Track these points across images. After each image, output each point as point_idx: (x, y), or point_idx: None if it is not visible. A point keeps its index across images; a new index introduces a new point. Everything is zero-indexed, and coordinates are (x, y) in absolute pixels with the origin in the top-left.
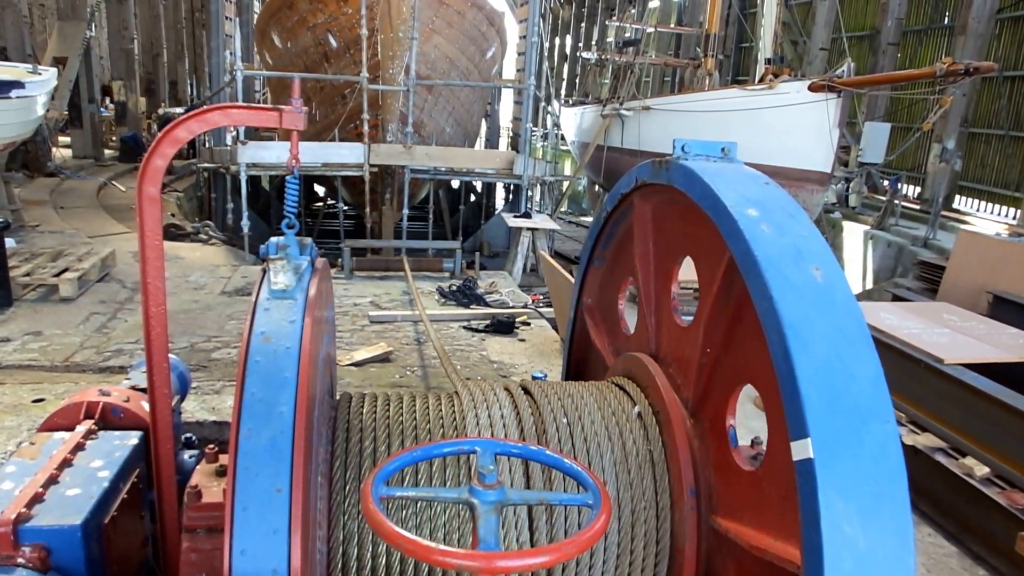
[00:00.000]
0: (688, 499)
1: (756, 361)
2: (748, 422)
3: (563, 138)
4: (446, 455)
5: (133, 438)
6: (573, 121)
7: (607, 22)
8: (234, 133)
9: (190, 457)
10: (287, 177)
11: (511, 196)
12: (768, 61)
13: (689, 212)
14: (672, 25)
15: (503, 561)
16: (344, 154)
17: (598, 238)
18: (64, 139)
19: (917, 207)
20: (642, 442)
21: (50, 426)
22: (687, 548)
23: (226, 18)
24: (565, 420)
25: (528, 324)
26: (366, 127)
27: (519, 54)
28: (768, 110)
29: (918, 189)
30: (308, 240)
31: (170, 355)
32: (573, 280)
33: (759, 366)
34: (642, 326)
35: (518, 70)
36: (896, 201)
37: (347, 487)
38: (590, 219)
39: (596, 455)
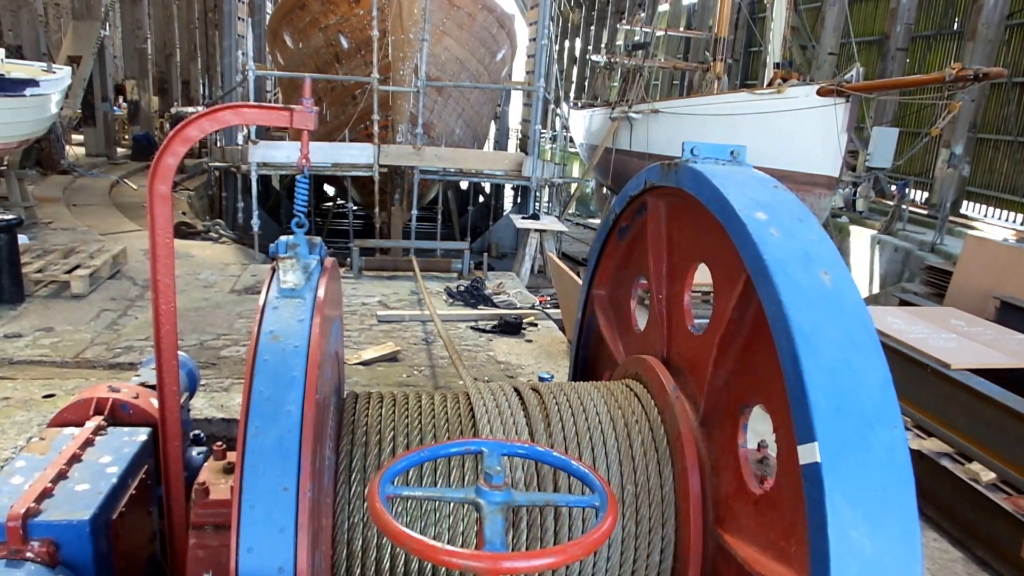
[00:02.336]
0: (694, 505)
1: (768, 381)
2: (755, 425)
3: (572, 140)
4: (453, 455)
5: (142, 434)
6: (582, 123)
7: (617, 25)
8: (245, 132)
9: (198, 454)
10: (297, 177)
11: (519, 198)
12: (777, 65)
13: (704, 218)
14: (681, 29)
15: (509, 562)
16: (354, 154)
17: (610, 234)
18: (77, 137)
19: (924, 212)
20: (650, 444)
21: (60, 422)
22: (691, 555)
23: (239, 18)
24: (572, 421)
25: (535, 325)
26: (376, 128)
27: (529, 56)
28: (777, 114)
29: (926, 194)
30: (317, 239)
31: (179, 352)
32: (580, 282)
33: (770, 385)
34: (653, 329)
35: (528, 72)
36: (904, 206)
37: (354, 486)
38: (598, 221)
39: (603, 456)
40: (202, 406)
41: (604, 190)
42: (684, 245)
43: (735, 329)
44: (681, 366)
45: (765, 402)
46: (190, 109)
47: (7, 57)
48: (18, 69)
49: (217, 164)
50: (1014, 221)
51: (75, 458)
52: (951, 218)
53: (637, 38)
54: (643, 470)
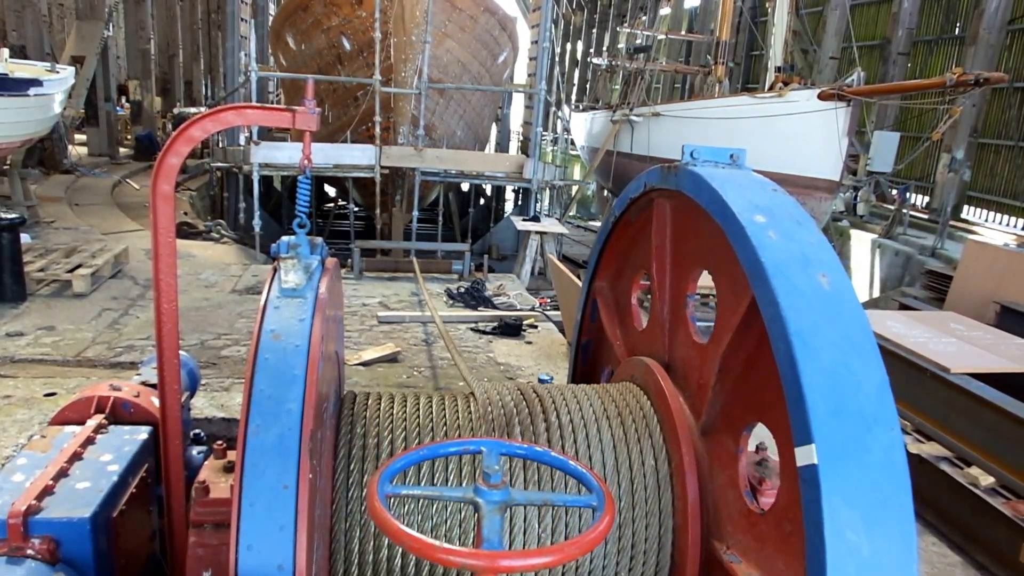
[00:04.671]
0: (692, 507)
1: (771, 400)
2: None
3: (573, 143)
4: (452, 455)
5: (142, 433)
6: (583, 126)
7: (618, 28)
8: (247, 133)
9: (198, 453)
10: (299, 177)
11: (520, 200)
12: (778, 69)
13: (707, 224)
14: (683, 32)
15: (507, 561)
16: (356, 156)
17: (617, 222)
18: (80, 137)
19: (925, 216)
20: (647, 446)
21: (61, 420)
22: (689, 556)
23: (242, 20)
24: (571, 422)
25: (535, 327)
26: (378, 129)
27: (531, 59)
28: (778, 118)
29: (926, 198)
30: (319, 240)
31: (180, 352)
32: (580, 284)
33: (774, 404)
34: (654, 331)
35: (529, 75)
36: (904, 210)
37: (352, 485)
38: (599, 224)
39: (600, 457)
40: (203, 405)
41: (605, 192)
42: (687, 251)
43: (737, 345)
44: (681, 371)
45: (767, 422)
46: (193, 109)
47: (11, 57)
48: (22, 69)
49: (219, 164)
50: (1015, 226)
51: (76, 456)
52: (952, 222)
53: (639, 41)
54: (640, 471)
